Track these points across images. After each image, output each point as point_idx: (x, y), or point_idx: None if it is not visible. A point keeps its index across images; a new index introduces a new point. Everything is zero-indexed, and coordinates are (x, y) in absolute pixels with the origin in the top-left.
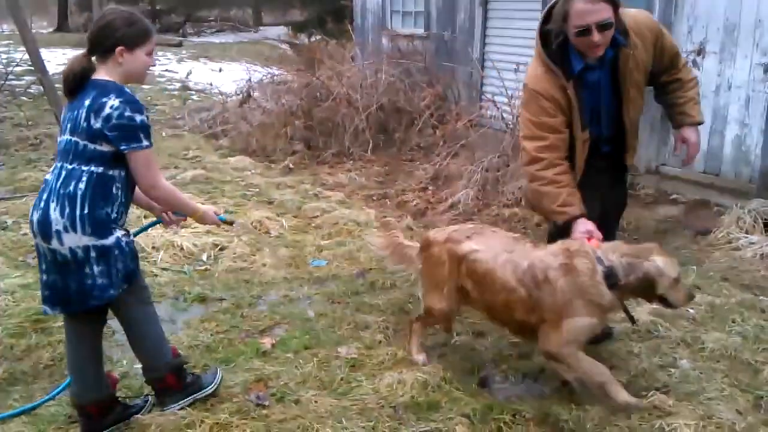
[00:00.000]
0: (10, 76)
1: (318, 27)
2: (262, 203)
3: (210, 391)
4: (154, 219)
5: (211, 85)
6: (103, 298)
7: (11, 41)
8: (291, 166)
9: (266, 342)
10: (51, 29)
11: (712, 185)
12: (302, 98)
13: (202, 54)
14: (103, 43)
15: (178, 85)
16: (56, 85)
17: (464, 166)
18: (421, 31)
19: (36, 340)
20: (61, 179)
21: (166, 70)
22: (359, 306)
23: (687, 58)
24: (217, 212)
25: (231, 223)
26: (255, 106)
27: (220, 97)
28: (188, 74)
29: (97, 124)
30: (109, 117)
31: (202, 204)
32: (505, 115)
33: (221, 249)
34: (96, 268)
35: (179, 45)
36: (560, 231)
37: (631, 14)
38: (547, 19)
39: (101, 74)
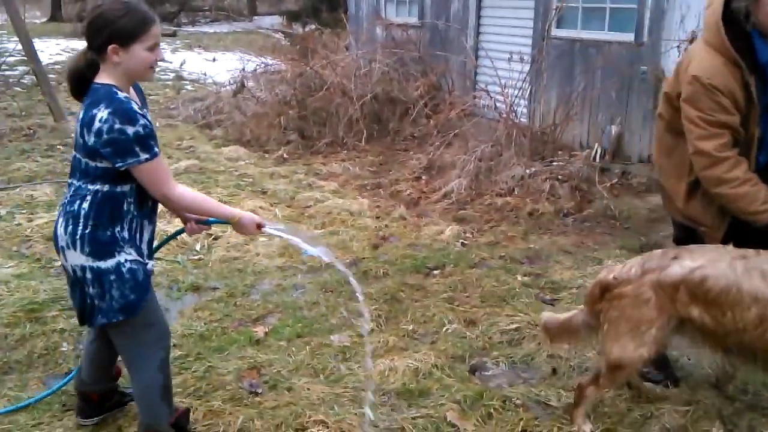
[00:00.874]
0: (3, 66)
1: (312, 16)
2: (255, 193)
3: None
4: (179, 228)
5: (205, 74)
6: (100, 322)
7: (4, 31)
8: (285, 156)
9: (259, 330)
10: (44, 19)
11: None
12: (296, 88)
13: (196, 44)
14: (95, 39)
15: (172, 75)
16: (50, 76)
17: (457, 155)
18: (415, 20)
19: (30, 330)
20: (69, 196)
21: (161, 60)
22: (351, 295)
23: (680, 47)
24: (261, 222)
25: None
26: (249, 96)
27: (213, 87)
28: (182, 64)
29: (90, 141)
30: (99, 132)
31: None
32: (498, 104)
33: (215, 239)
34: (92, 290)
35: (173, 35)
36: (687, 236)
37: None
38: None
39: (102, 76)
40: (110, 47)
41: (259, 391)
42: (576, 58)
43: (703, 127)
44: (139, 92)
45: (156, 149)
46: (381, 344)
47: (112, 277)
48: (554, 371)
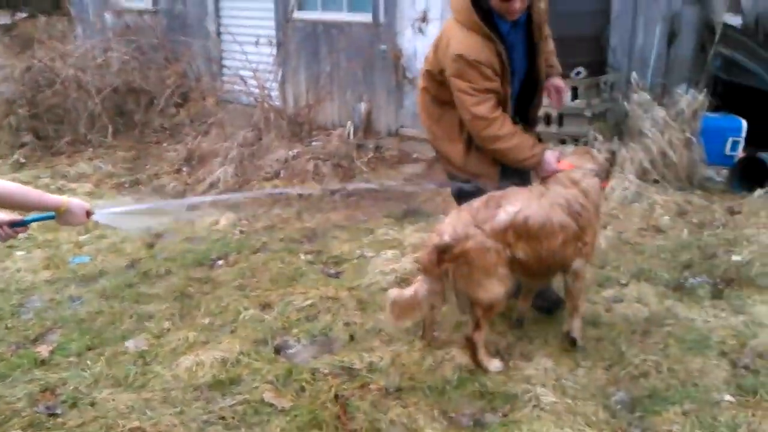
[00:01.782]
0: None
1: (23, 2)
2: None
3: None
4: None
5: None
6: None
7: None
8: (22, 160)
9: (42, 350)
10: None
11: None
12: (24, 84)
13: None
14: None
15: None
16: None
17: (216, 143)
18: (149, 5)
19: None
20: None
21: None
22: (137, 298)
23: (413, 26)
24: (90, 208)
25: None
26: None
27: None
28: None
29: None
30: None
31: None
32: (253, 89)
33: None
34: None
35: None
36: (464, 194)
37: None
38: None
39: None
40: None
41: (59, 411)
42: (320, 39)
43: (475, 95)
44: None
45: None
46: (181, 341)
47: None
48: (352, 338)
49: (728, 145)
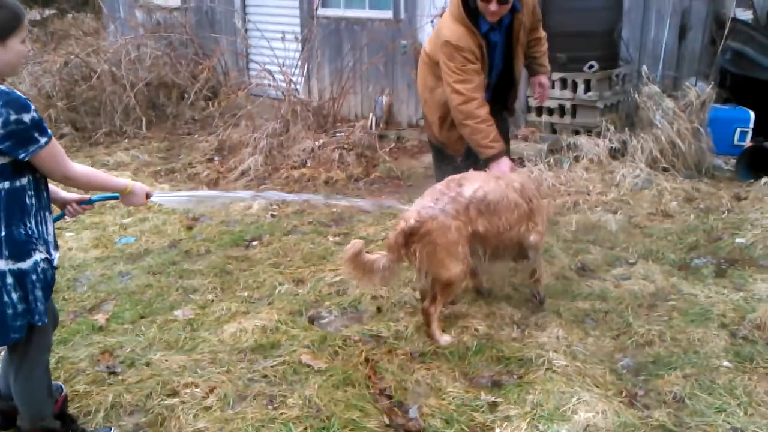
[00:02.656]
0: None
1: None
2: None
3: None
4: (57, 214)
5: None
6: (24, 329)
7: None
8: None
9: (99, 318)
10: None
11: None
12: (62, 78)
13: None
14: None
15: None
16: None
17: (246, 135)
18: (177, 2)
19: None
20: None
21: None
22: (181, 273)
23: (432, 22)
24: (149, 191)
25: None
26: None
27: None
28: None
29: None
30: None
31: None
32: (280, 83)
33: None
34: (13, 295)
35: None
36: (440, 154)
37: None
38: None
39: None
40: None
41: (118, 370)
42: (343, 35)
43: (459, 74)
44: None
45: (48, 130)
46: (224, 311)
47: (33, 277)
48: (379, 309)
49: (736, 136)
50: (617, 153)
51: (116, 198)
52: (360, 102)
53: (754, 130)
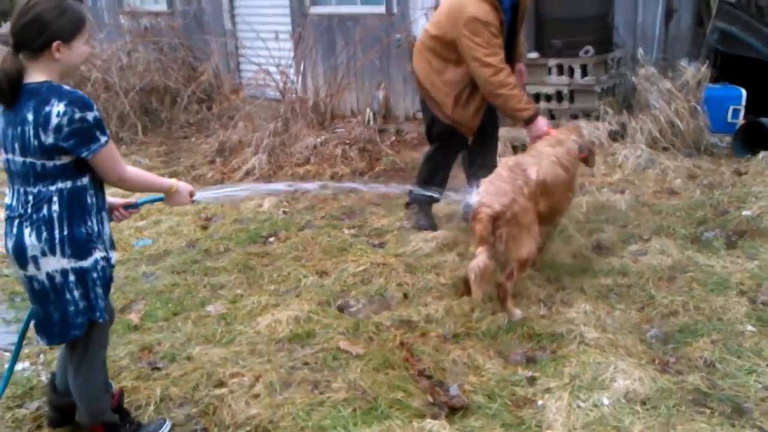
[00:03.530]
0: None
1: None
2: None
3: None
4: None
5: None
6: (84, 326)
7: None
8: None
9: (132, 317)
10: None
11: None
12: None
13: None
14: (35, 39)
15: None
16: None
17: (246, 135)
18: (164, 7)
19: None
20: (30, 204)
21: None
22: (205, 271)
23: (426, 15)
24: (193, 190)
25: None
26: None
27: None
28: None
29: (49, 140)
30: (59, 127)
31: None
32: (275, 82)
33: None
34: (76, 293)
35: None
36: (448, 132)
37: None
38: None
39: (34, 75)
40: (54, 44)
41: (160, 365)
42: (336, 32)
43: (487, 47)
44: None
45: (107, 131)
46: (255, 305)
47: (95, 275)
48: (405, 296)
49: (729, 113)
50: (617, 135)
51: (161, 200)
52: (356, 98)
53: (745, 107)
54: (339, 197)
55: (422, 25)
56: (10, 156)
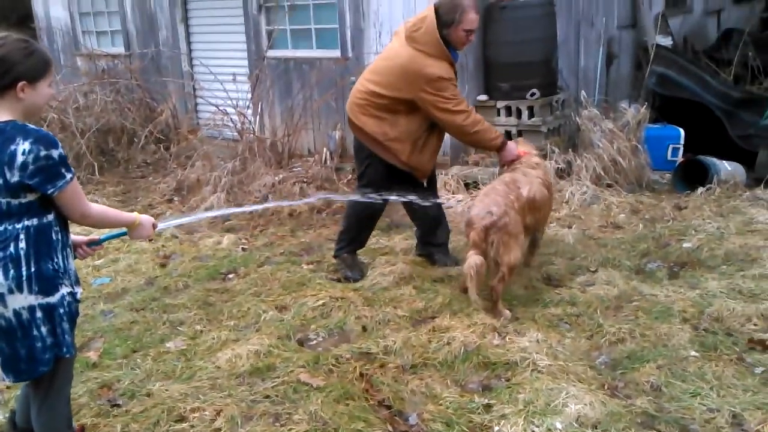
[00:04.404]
0: None
1: None
2: None
3: None
4: None
5: None
6: (51, 361)
7: None
8: None
9: (91, 355)
10: None
11: None
12: None
13: None
14: (1, 79)
15: None
16: None
17: (203, 174)
18: (121, 50)
19: None
20: None
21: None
22: (164, 308)
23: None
24: (155, 222)
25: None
26: None
27: None
28: None
29: (14, 178)
30: (25, 165)
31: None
32: (231, 123)
33: None
34: (43, 329)
35: None
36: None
37: None
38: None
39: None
40: (19, 85)
41: (120, 402)
42: (292, 74)
43: (453, 98)
44: None
45: (72, 168)
46: (215, 340)
47: (61, 311)
48: (364, 329)
49: (669, 152)
50: (563, 173)
51: (124, 234)
52: (313, 137)
53: (684, 145)
54: (297, 234)
55: None
56: None
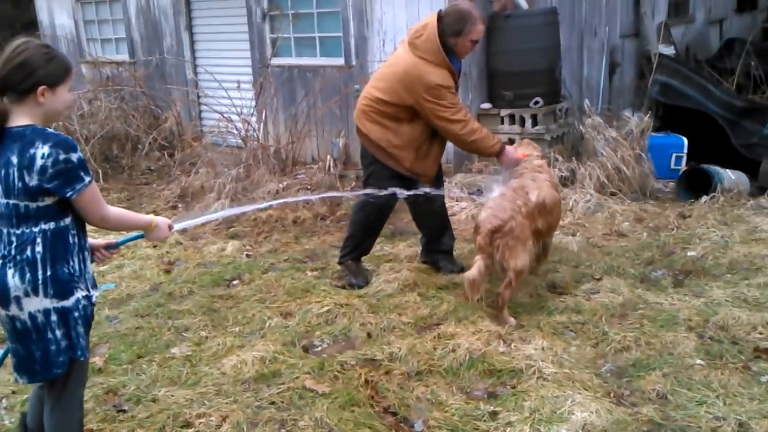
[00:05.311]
0: None
1: None
2: None
3: None
4: None
5: None
6: (66, 364)
7: None
8: None
9: (96, 360)
10: None
11: None
12: None
13: None
14: (21, 83)
15: None
16: None
17: (207, 181)
18: (126, 57)
19: None
20: (14, 245)
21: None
22: (169, 314)
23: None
24: (170, 223)
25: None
26: None
27: None
28: None
29: (33, 181)
30: (44, 168)
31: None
32: (236, 130)
33: None
34: (57, 332)
35: None
36: (408, 182)
37: None
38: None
39: (18, 119)
40: (39, 89)
41: (126, 408)
42: (296, 82)
43: (451, 106)
44: None
45: (90, 171)
46: (220, 346)
47: (76, 314)
48: (369, 335)
49: (672, 160)
50: (567, 181)
51: (141, 237)
52: (317, 145)
53: (687, 154)
54: (301, 241)
55: None
56: None
